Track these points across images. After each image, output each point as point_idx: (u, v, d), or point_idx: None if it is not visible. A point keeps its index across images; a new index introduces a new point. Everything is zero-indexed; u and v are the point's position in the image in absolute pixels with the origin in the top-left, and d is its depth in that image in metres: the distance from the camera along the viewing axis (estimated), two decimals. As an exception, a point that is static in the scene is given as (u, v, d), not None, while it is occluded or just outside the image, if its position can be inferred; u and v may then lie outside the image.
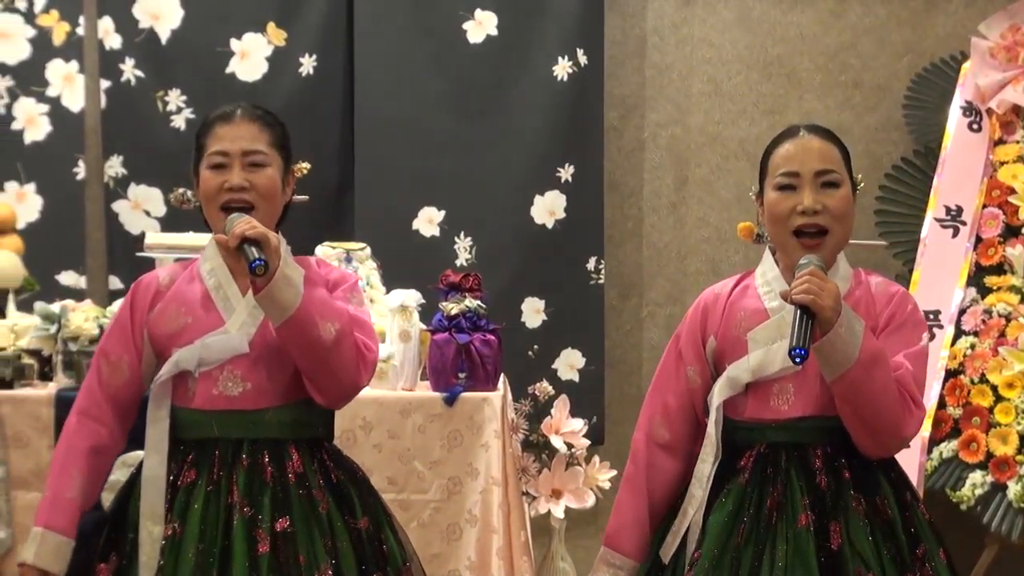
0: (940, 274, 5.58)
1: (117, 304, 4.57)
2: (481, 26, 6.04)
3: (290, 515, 3.03)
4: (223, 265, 3.16)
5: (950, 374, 5.41)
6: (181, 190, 3.39)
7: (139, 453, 4.33)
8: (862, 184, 3.26)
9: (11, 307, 4.97)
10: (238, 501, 3.02)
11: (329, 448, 3.22)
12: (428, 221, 6.04)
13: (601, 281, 6.11)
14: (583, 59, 6.03)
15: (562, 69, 6.02)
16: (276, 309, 2.97)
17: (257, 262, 2.92)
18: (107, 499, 4.35)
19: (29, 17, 5.99)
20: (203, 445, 3.10)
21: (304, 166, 3.31)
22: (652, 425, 3.30)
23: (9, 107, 5.96)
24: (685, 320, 3.33)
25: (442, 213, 6.04)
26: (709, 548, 3.09)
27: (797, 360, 2.91)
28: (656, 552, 3.25)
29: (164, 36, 6.01)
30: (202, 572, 2.98)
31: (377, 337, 3.20)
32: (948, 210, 5.67)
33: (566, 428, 4.88)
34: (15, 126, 5.97)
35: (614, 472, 4.94)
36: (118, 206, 6.04)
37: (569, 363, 6.10)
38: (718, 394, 3.18)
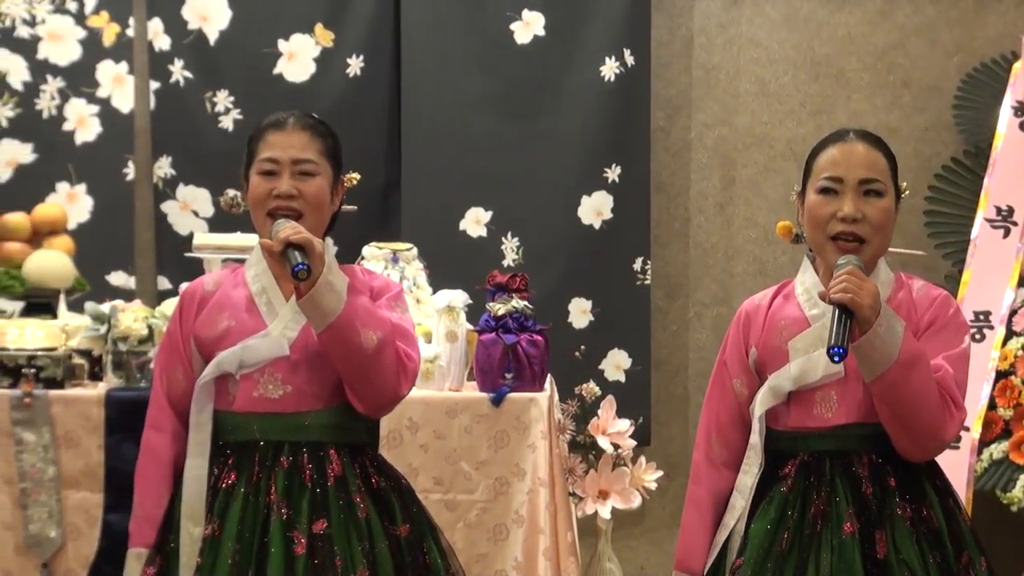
0: (991, 275, 5.54)
1: (167, 305, 4.61)
2: (528, 27, 6.04)
3: (328, 518, 3.04)
4: (268, 270, 3.17)
5: (1000, 375, 5.37)
6: (231, 193, 3.40)
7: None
8: (906, 192, 3.23)
9: (62, 307, 5.00)
10: (276, 502, 3.03)
11: (372, 455, 3.22)
12: (475, 221, 6.05)
13: (648, 282, 6.10)
14: (630, 59, 6.03)
15: (609, 69, 6.02)
16: (318, 315, 2.98)
17: (300, 266, 2.93)
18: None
19: (79, 18, 6.03)
20: (244, 447, 3.11)
21: (354, 176, 3.32)
22: (709, 443, 3.29)
23: (60, 108, 6.01)
24: (728, 332, 3.32)
25: (489, 213, 6.05)
26: (751, 555, 3.07)
27: (836, 359, 2.90)
28: None
29: (212, 37, 6.04)
30: (238, 571, 2.99)
31: (419, 347, 3.20)
32: (999, 210, 5.63)
33: (612, 429, 4.87)
34: (66, 127, 6.02)
35: (660, 473, 4.94)
36: (167, 207, 6.07)
37: (615, 364, 6.10)
38: (760, 404, 3.16)
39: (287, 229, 3.00)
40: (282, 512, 3.02)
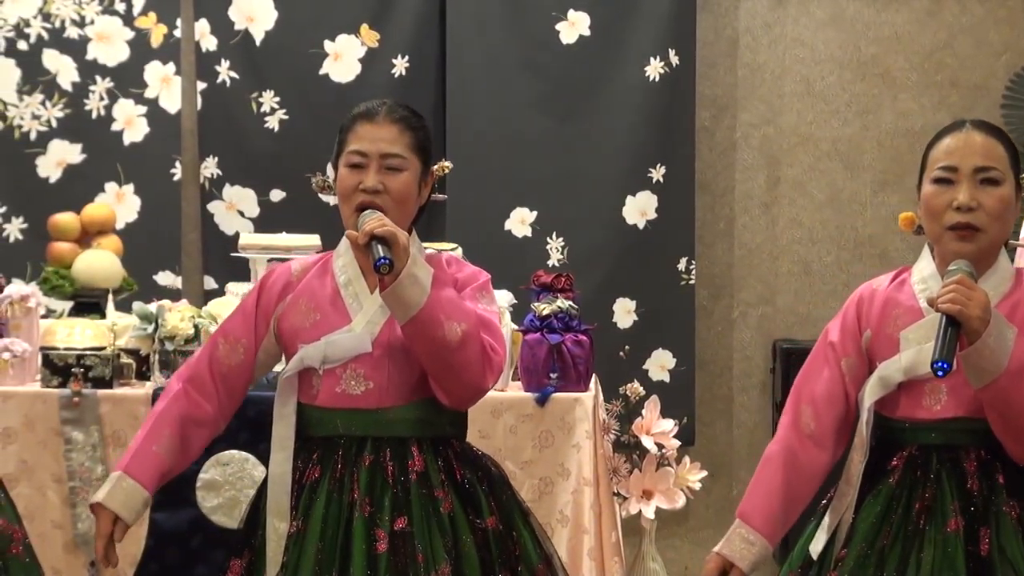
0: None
1: (213, 305, 4.63)
2: (574, 27, 6.05)
3: (408, 515, 3.02)
4: (354, 262, 3.14)
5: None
6: (323, 176, 3.34)
7: (232, 453, 4.41)
8: None
9: (110, 307, 5.03)
10: (359, 499, 3.02)
11: (457, 446, 3.19)
12: (520, 222, 6.06)
13: (692, 281, 6.10)
14: (675, 59, 6.02)
15: (654, 69, 6.01)
16: (400, 307, 2.94)
17: (382, 260, 2.89)
18: (202, 498, 4.43)
19: (128, 19, 6.07)
20: (328, 442, 3.09)
21: (446, 165, 3.31)
22: (798, 413, 3.21)
23: (108, 108, 6.05)
24: (840, 313, 3.24)
25: (534, 214, 6.06)
26: (855, 547, 3.04)
27: (940, 374, 2.82)
28: (806, 548, 3.20)
29: (259, 38, 6.07)
30: (322, 569, 2.98)
31: (504, 339, 3.17)
32: (1047, 211, 5.59)
33: (657, 429, 4.87)
34: (115, 127, 6.06)
35: (704, 473, 4.94)
36: (213, 207, 6.11)
37: (660, 364, 6.10)
38: (869, 394, 3.11)
39: (372, 221, 2.96)
40: (365, 510, 3.01)
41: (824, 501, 3.22)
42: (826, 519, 3.16)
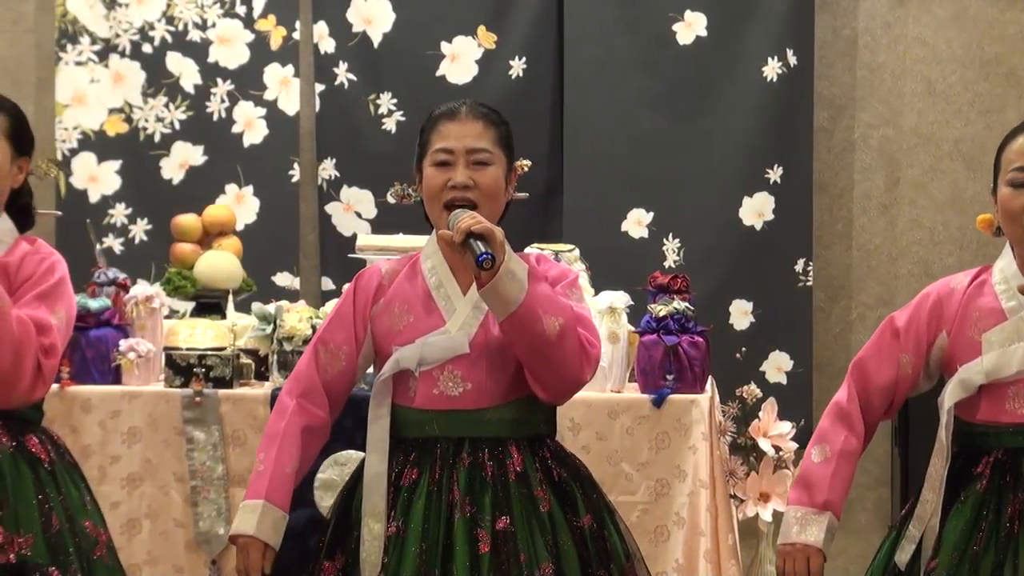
0: None
1: (331, 305, 4.67)
2: (691, 27, 6.03)
3: (510, 514, 3.03)
4: (444, 263, 3.16)
5: None
6: (402, 185, 3.37)
7: (350, 452, 4.43)
8: None
9: (230, 308, 5.09)
10: (459, 500, 3.03)
11: (551, 445, 3.20)
12: (637, 223, 6.05)
13: (810, 283, 6.05)
14: (793, 59, 5.98)
15: (771, 70, 5.98)
16: (500, 304, 2.95)
17: (484, 255, 2.89)
18: (320, 497, 4.46)
19: (248, 22, 6.15)
20: (425, 444, 3.10)
21: (525, 163, 3.32)
22: (855, 392, 3.22)
23: (229, 110, 6.13)
24: (911, 306, 3.19)
25: (651, 215, 6.05)
26: (946, 556, 3.01)
27: None
28: (887, 560, 3.17)
29: (376, 40, 6.12)
30: (424, 570, 2.99)
31: (599, 333, 3.17)
32: None
33: (774, 431, 4.83)
34: (235, 129, 6.14)
35: (822, 476, 4.88)
36: (331, 208, 6.16)
37: (777, 365, 6.06)
38: (949, 396, 3.07)
39: (467, 219, 2.97)
40: (466, 510, 3.02)
41: (903, 511, 3.19)
42: (910, 529, 3.12)
